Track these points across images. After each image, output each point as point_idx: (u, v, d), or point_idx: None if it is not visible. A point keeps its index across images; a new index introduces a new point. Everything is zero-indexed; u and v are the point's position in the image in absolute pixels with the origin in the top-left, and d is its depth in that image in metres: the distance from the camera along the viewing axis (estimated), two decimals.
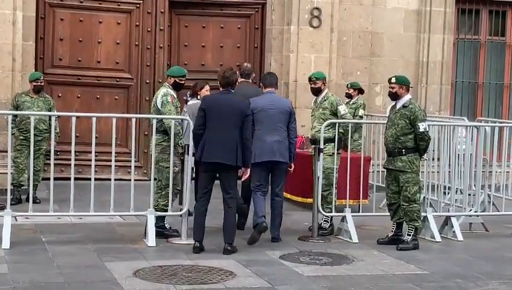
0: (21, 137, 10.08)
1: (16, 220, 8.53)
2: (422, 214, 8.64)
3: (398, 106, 8.32)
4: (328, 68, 12.20)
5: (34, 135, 8.64)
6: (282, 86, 12.27)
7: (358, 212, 9.33)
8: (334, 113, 8.90)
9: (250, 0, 12.82)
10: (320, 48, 12.25)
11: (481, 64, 13.73)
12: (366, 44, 12.63)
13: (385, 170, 8.49)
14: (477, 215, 9.32)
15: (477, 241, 8.83)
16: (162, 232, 8.26)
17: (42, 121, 10.14)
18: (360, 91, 11.68)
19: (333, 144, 8.79)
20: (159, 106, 8.42)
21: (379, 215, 9.18)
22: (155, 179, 8.30)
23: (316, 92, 9.12)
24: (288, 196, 10.68)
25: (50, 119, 10.03)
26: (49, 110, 10.26)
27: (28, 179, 8.98)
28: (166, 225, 8.42)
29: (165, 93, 8.44)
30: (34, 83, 10.28)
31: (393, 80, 8.37)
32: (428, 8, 12.90)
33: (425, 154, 8.65)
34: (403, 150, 8.21)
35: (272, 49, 12.47)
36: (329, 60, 12.30)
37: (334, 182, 8.76)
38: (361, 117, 11.34)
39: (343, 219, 8.66)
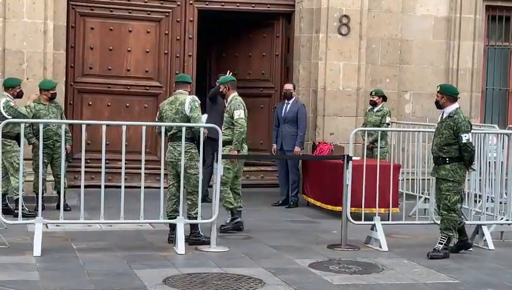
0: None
1: (47, 228, 8.61)
2: None
3: (445, 115, 8.28)
4: (356, 76, 12.18)
5: (55, 140, 8.69)
6: (311, 94, 12.27)
7: (388, 220, 9.27)
8: (233, 116, 9.09)
9: (277, 9, 12.84)
10: (349, 55, 12.21)
11: None
12: (395, 51, 12.57)
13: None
14: (509, 224, 9.21)
15: (509, 250, 8.72)
16: (194, 241, 8.26)
17: (60, 127, 10.21)
18: (384, 98, 11.71)
19: (230, 146, 9.02)
20: (188, 112, 8.41)
21: (409, 224, 9.11)
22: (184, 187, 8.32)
23: (222, 96, 9.61)
24: (318, 203, 10.66)
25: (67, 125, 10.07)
26: (61, 115, 10.36)
27: (59, 187, 9.02)
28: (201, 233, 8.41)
29: (193, 99, 8.44)
30: (52, 91, 10.28)
31: (438, 88, 8.36)
32: (458, 15, 12.81)
33: (473, 165, 8.49)
34: (447, 159, 8.16)
35: (301, 57, 12.45)
36: (358, 68, 12.25)
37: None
38: (388, 124, 11.41)
39: (373, 227, 8.62)
